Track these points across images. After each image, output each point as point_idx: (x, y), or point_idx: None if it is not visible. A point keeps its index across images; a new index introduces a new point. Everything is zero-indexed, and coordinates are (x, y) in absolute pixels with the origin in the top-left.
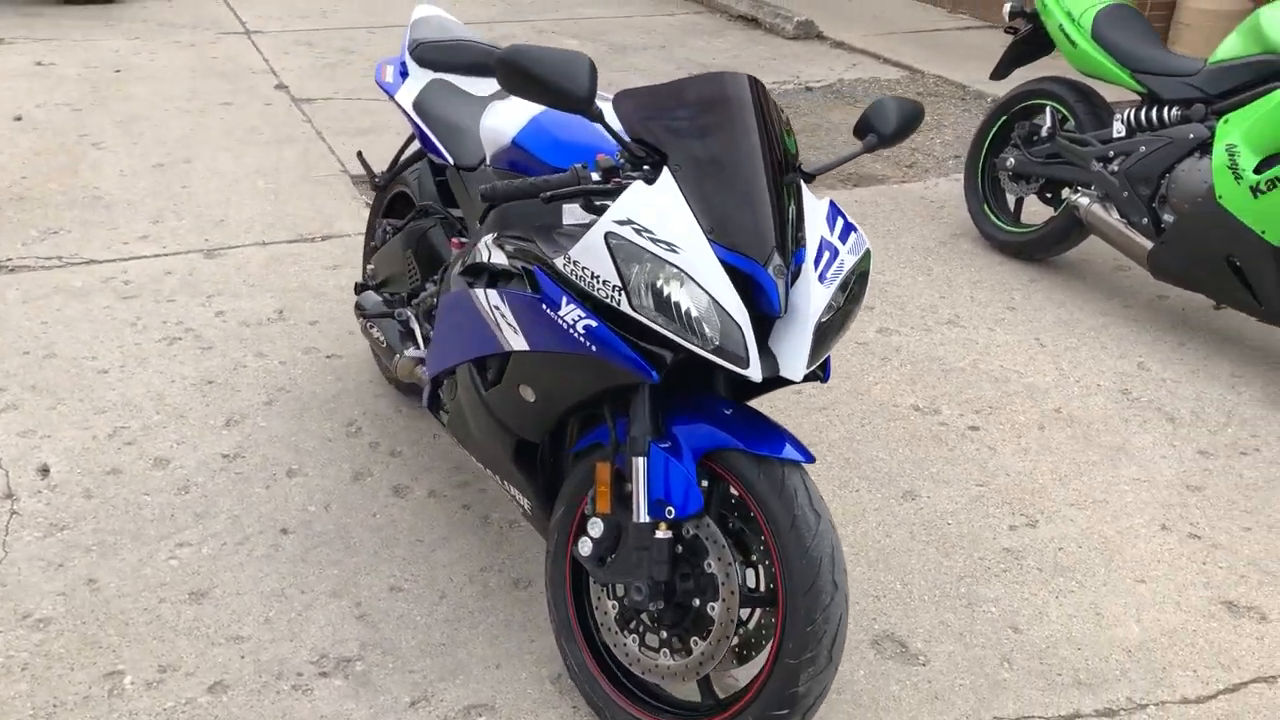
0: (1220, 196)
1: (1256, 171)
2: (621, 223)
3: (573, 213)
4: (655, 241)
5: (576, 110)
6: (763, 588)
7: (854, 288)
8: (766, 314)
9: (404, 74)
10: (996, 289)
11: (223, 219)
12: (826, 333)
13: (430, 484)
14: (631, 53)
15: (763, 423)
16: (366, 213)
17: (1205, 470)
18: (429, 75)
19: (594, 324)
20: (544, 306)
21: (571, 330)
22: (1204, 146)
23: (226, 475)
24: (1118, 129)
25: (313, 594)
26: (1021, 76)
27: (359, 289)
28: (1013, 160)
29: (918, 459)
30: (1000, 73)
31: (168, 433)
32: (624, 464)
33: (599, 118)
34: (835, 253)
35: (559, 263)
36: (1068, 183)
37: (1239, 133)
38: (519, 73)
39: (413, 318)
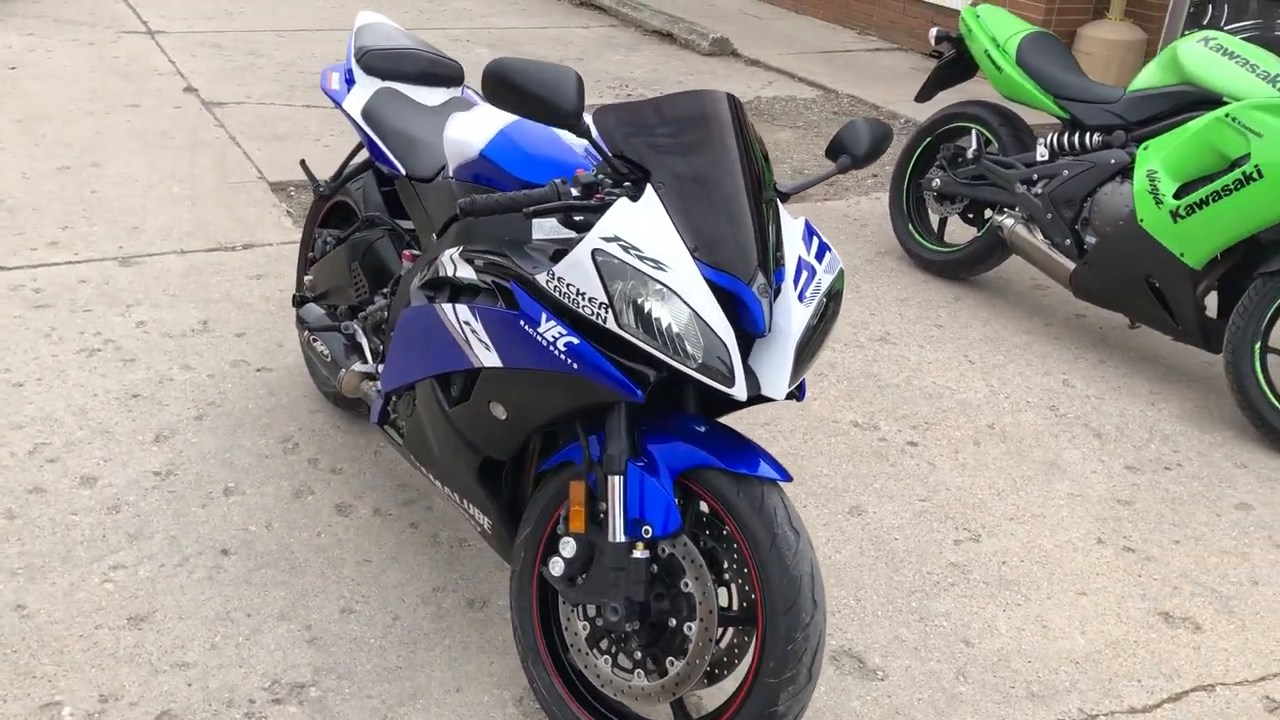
0: (1142, 220)
1: (1176, 197)
2: (608, 239)
3: (542, 227)
4: (642, 259)
5: (563, 125)
6: (735, 606)
7: (829, 307)
8: (750, 332)
9: (350, 81)
10: (924, 307)
11: (137, 226)
12: (805, 351)
13: (374, 502)
14: None
15: (738, 440)
16: (287, 221)
17: (1134, 485)
18: (377, 84)
19: (576, 341)
20: (522, 323)
21: (552, 348)
22: (1125, 171)
23: (159, 494)
24: (1041, 153)
25: (260, 617)
26: (941, 100)
27: (298, 301)
28: (938, 181)
29: (861, 474)
30: (924, 95)
31: (93, 449)
32: (596, 482)
33: (586, 133)
34: (813, 272)
35: (541, 279)
36: (991, 204)
37: (1159, 159)
38: (506, 85)
39: (359, 331)
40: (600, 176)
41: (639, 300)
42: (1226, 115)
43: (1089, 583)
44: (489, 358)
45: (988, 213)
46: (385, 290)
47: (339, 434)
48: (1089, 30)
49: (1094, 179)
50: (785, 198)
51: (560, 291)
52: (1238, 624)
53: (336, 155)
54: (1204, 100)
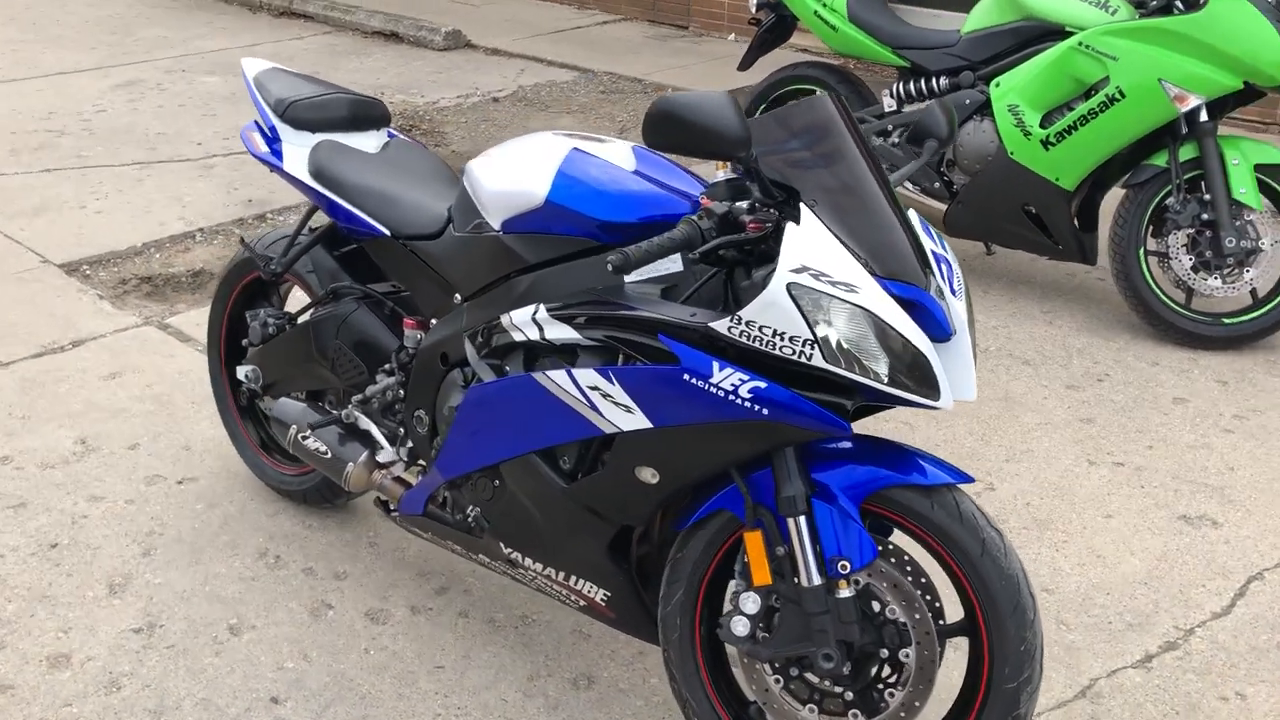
0: (1012, 153)
1: (1043, 126)
2: (797, 271)
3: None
4: (834, 284)
5: (731, 156)
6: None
7: (969, 295)
8: (936, 338)
9: (274, 139)
10: None
11: None
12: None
13: (405, 600)
14: None
15: (901, 450)
16: (106, 305)
17: (1083, 403)
18: (310, 138)
19: (763, 385)
20: (686, 377)
21: (731, 397)
22: (981, 109)
23: (156, 654)
24: (888, 103)
25: None
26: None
27: (250, 396)
28: None
29: None
30: (747, 63)
31: (42, 621)
32: (766, 527)
33: (754, 161)
34: (949, 263)
35: (720, 326)
36: None
37: (1016, 93)
38: (674, 122)
39: (360, 417)
40: (731, 204)
41: (847, 329)
42: (1079, 44)
43: (1107, 504)
44: (629, 420)
45: None
46: (387, 366)
47: (317, 534)
48: None
49: None
50: None
51: (750, 336)
52: (1243, 510)
53: (113, 223)
54: (1046, 33)
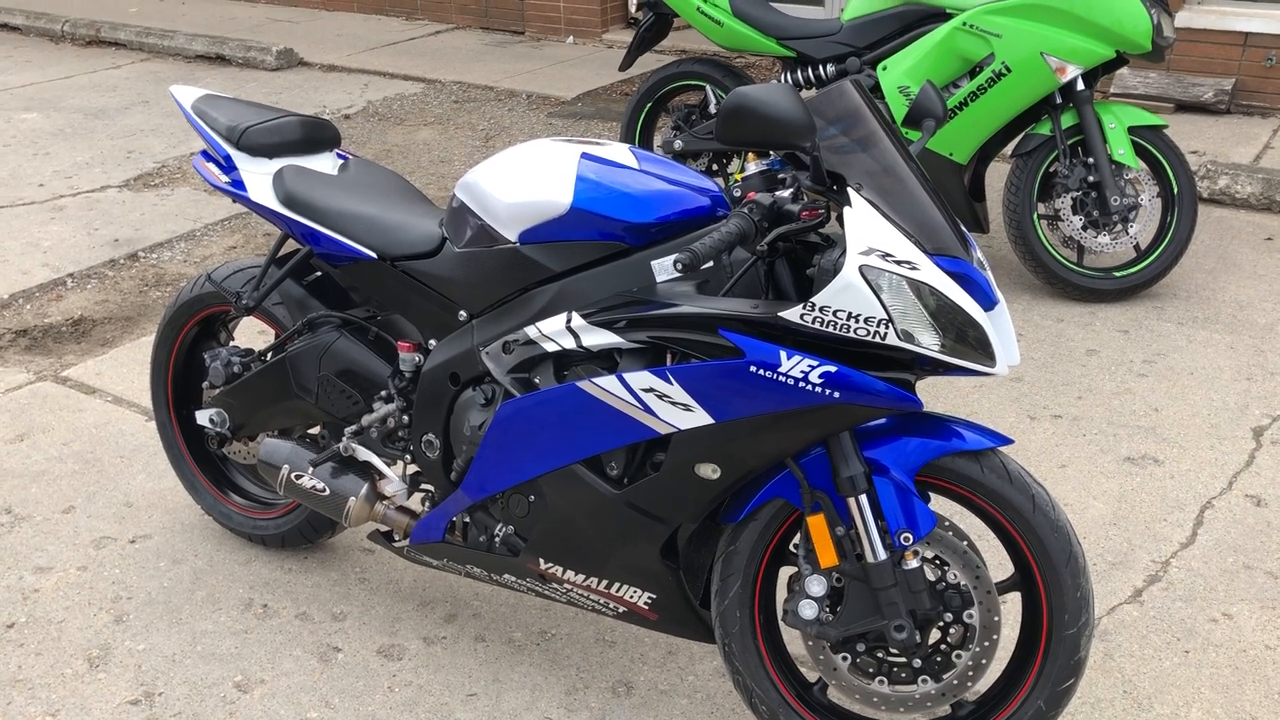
0: (907, 132)
1: None
2: (866, 253)
3: (664, 268)
4: (899, 264)
5: (799, 145)
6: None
7: None
8: (984, 308)
9: (229, 168)
10: None
11: None
12: None
13: (415, 632)
14: (115, 115)
15: (939, 419)
16: None
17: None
18: (269, 164)
19: (834, 369)
20: (753, 369)
21: (802, 384)
22: (872, 92)
23: None
24: None
25: None
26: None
27: (218, 441)
28: (680, 143)
29: None
30: (628, 62)
31: (22, 707)
32: (824, 509)
33: (815, 149)
34: (969, 236)
35: (792, 315)
36: (738, 152)
37: (905, 75)
38: (749, 115)
39: (358, 448)
40: (776, 195)
41: (917, 305)
42: (964, 24)
43: (1058, 455)
44: (688, 419)
45: (735, 163)
46: (384, 393)
47: (300, 577)
48: None
49: None
50: None
51: (823, 321)
52: (1177, 447)
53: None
54: (929, 15)
